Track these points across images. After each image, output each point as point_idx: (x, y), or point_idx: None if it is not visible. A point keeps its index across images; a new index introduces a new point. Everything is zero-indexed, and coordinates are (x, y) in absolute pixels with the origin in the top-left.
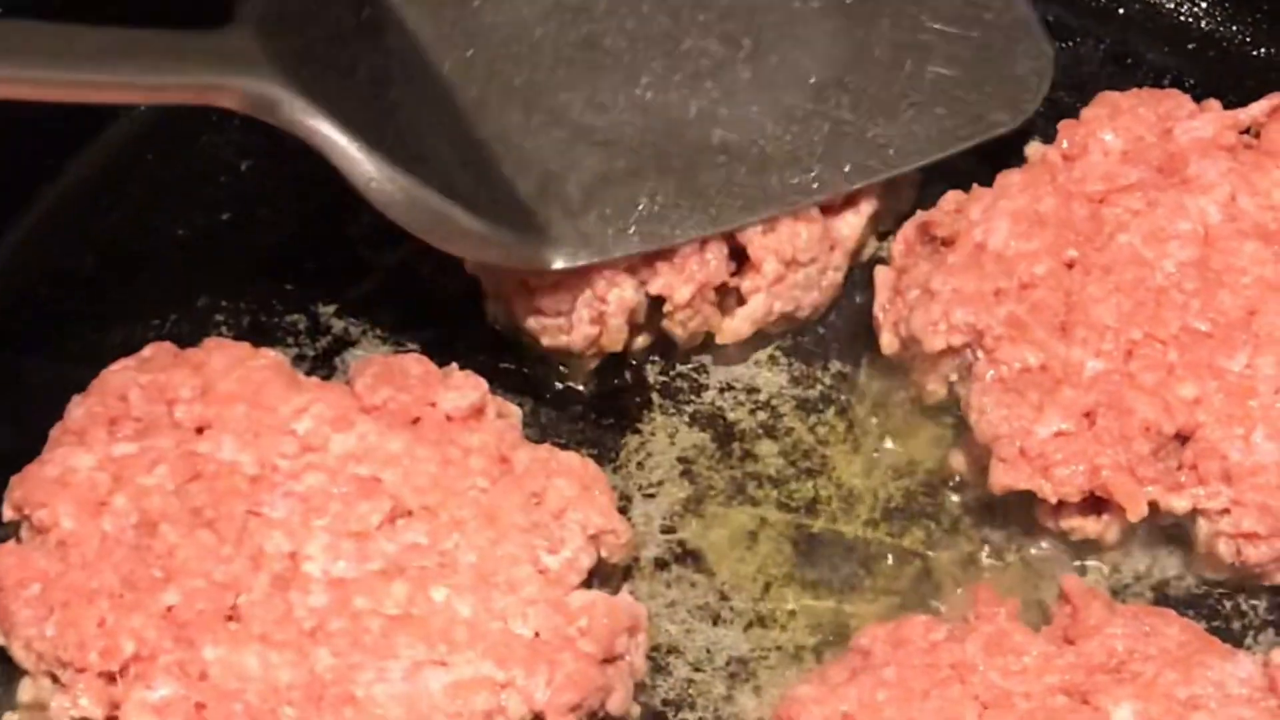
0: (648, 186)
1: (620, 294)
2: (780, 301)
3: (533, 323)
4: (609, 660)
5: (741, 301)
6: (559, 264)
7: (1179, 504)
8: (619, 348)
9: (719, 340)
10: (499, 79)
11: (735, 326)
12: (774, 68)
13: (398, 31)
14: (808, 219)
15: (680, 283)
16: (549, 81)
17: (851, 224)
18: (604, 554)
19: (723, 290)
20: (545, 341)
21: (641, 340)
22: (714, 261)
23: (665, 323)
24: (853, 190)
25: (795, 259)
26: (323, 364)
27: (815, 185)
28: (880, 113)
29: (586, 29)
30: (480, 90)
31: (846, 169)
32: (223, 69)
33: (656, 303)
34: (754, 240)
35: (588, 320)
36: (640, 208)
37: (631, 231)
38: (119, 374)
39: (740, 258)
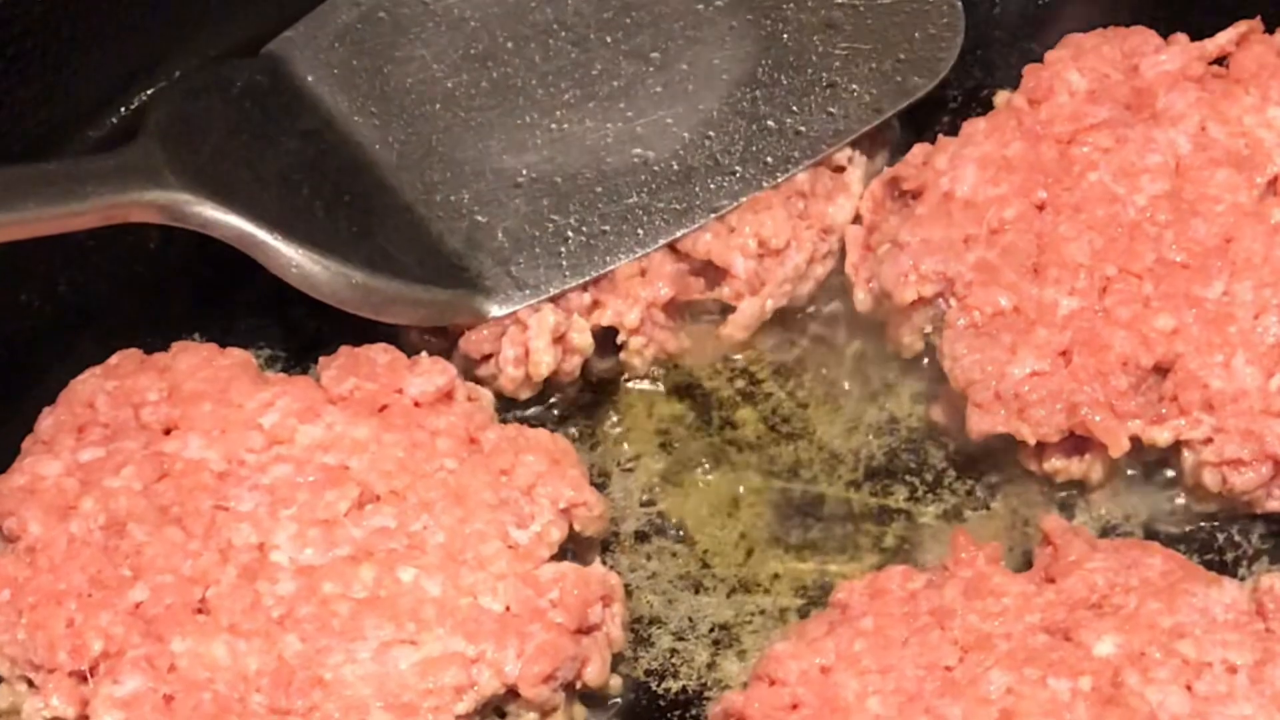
0: (573, 219)
1: (540, 318)
2: (774, 300)
3: (460, 368)
4: (583, 631)
5: (730, 309)
6: (495, 311)
7: (1161, 436)
8: (546, 373)
9: (718, 346)
10: (417, 139)
11: (731, 333)
12: (685, 75)
13: (310, 113)
14: (765, 205)
15: (626, 307)
16: (465, 133)
17: (844, 208)
18: (577, 527)
19: (698, 305)
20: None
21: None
22: (657, 280)
23: (623, 355)
24: (840, 172)
25: (769, 248)
26: (295, 365)
27: (739, 186)
28: (795, 101)
29: (497, 74)
30: (400, 153)
31: (769, 162)
32: (128, 187)
33: (610, 337)
34: (713, 247)
35: (513, 360)
36: (569, 242)
37: (564, 266)
38: (87, 382)
39: (709, 270)
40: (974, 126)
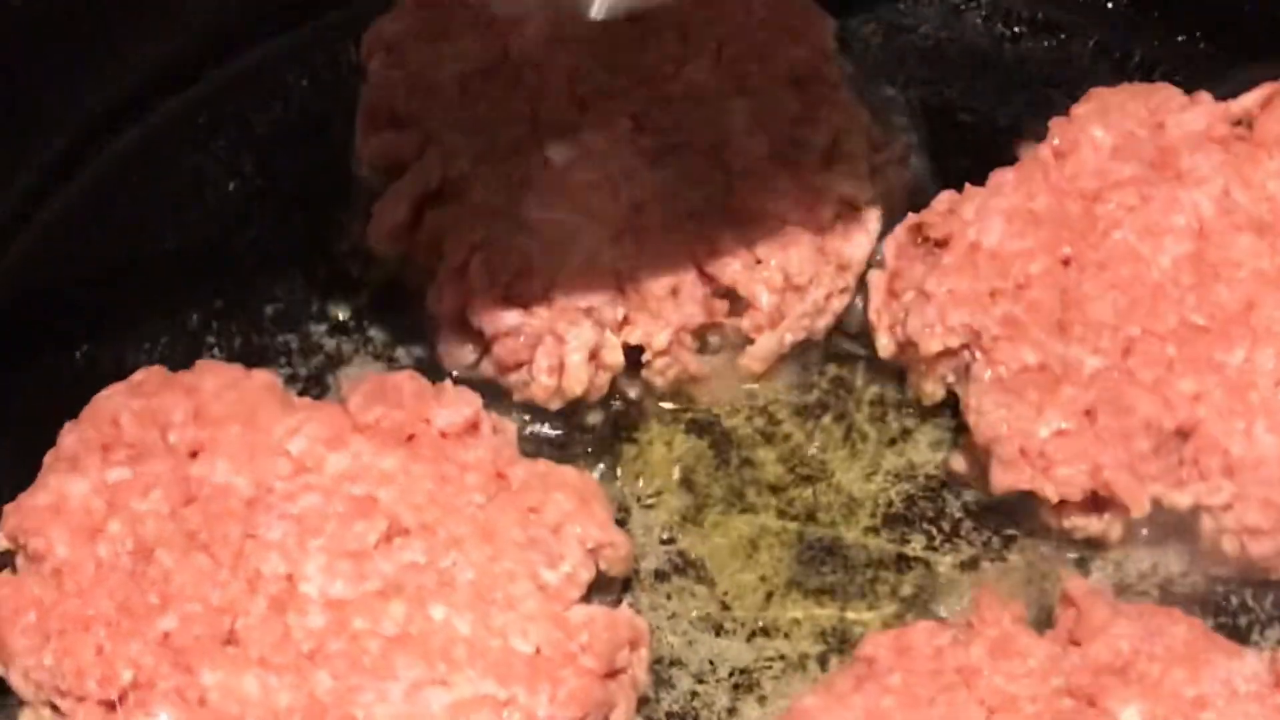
0: None
1: (580, 333)
2: (791, 334)
3: (493, 374)
4: (611, 675)
5: (749, 340)
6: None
7: (1182, 500)
8: (581, 390)
9: (736, 376)
10: None
11: (749, 364)
12: None
13: None
14: (794, 241)
15: (657, 329)
16: None
17: (861, 245)
18: (603, 567)
19: (719, 330)
20: (515, 395)
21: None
22: (689, 304)
23: (645, 372)
24: (853, 206)
25: (792, 284)
26: (315, 383)
27: None
28: None
29: None
30: None
31: None
32: None
33: (633, 354)
34: (739, 277)
35: (546, 369)
36: None
37: None
38: (110, 400)
39: (733, 296)
40: (1002, 177)
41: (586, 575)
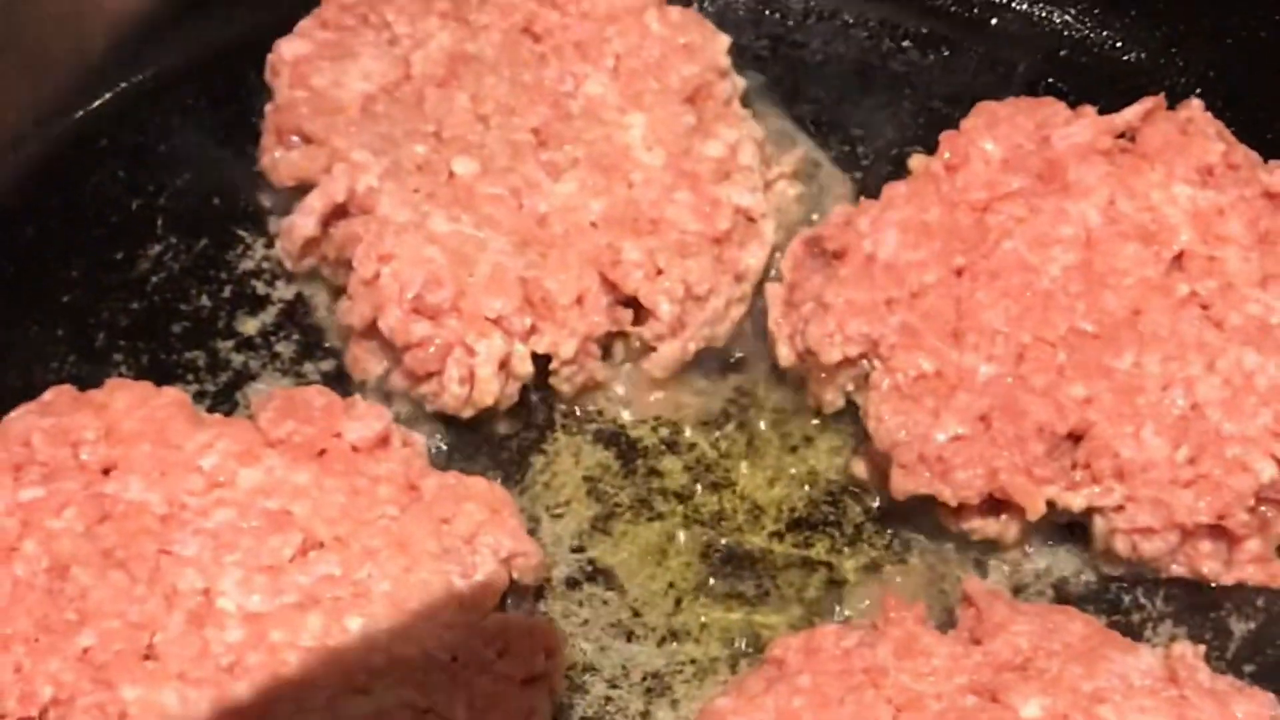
0: None
1: (489, 344)
2: (694, 343)
3: (403, 385)
4: (528, 681)
5: (652, 349)
6: None
7: (1075, 502)
8: (491, 400)
9: (639, 384)
10: None
11: (651, 371)
12: None
13: None
14: (693, 251)
15: (563, 338)
16: None
17: (758, 255)
18: (516, 576)
19: (623, 339)
20: (426, 406)
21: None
22: (594, 313)
23: (552, 380)
24: (749, 217)
25: (692, 294)
26: (224, 399)
27: None
28: None
29: None
30: None
31: None
32: None
33: (541, 363)
34: (641, 287)
35: (457, 380)
36: None
37: None
38: (20, 420)
39: (636, 305)
40: (894, 191)
41: (500, 584)
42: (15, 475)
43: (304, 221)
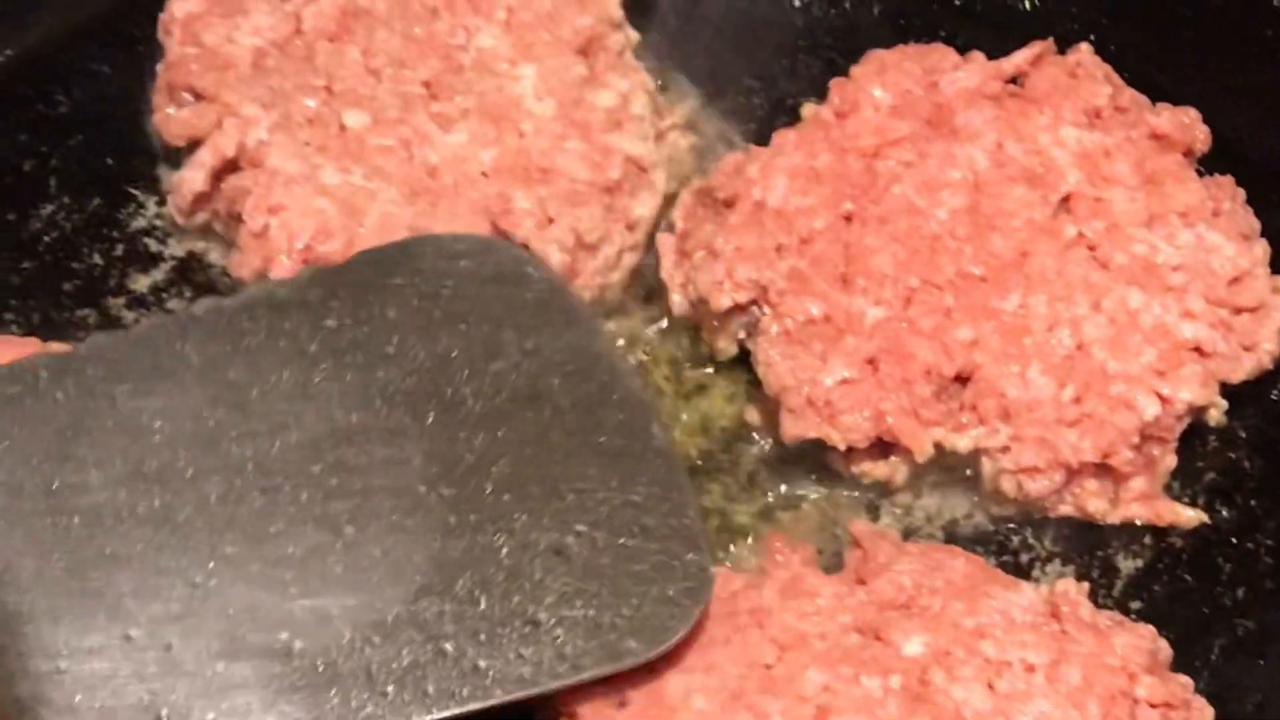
0: (166, 696)
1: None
2: (588, 291)
3: None
4: None
5: None
6: None
7: (962, 443)
8: None
9: None
10: (34, 549)
11: None
12: (374, 563)
13: None
14: (584, 200)
15: None
16: (94, 559)
17: (648, 204)
18: None
19: None
20: None
21: None
22: None
23: None
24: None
25: (583, 242)
26: None
27: (381, 712)
28: (486, 630)
29: (159, 501)
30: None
31: (429, 692)
32: None
33: None
34: (531, 236)
35: None
36: None
37: None
38: None
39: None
40: (784, 138)
41: None
42: None
43: (193, 176)
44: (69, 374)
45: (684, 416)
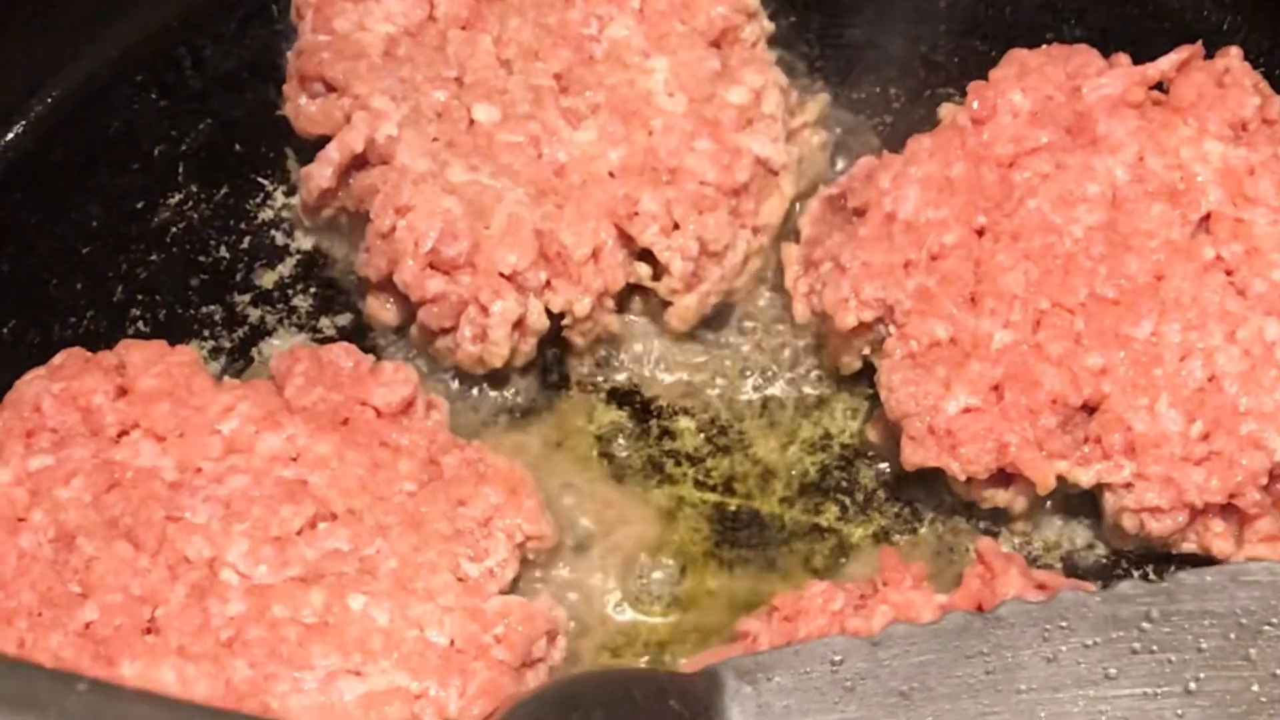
0: None
1: (504, 306)
2: (712, 296)
3: (418, 338)
4: (526, 665)
5: (668, 302)
6: None
7: (1085, 478)
8: (501, 362)
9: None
10: None
11: (670, 324)
12: None
13: None
14: (711, 205)
15: (579, 295)
16: None
17: (776, 208)
18: (530, 557)
19: (641, 291)
20: (441, 361)
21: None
22: (610, 268)
23: (565, 333)
24: (770, 169)
25: (707, 250)
26: (240, 355)
27: None
28: None
29: None
30: None
31: None
32: None
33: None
34: (656, 242)
35: (470, 338)
36: None
37: None
38: (31, 384)
39: (652, 258)
40: (919, 144)
41: (511, 573)
42: (26, 442)
43: (321, 172)
44: (865, 662)
45: (803, 432)
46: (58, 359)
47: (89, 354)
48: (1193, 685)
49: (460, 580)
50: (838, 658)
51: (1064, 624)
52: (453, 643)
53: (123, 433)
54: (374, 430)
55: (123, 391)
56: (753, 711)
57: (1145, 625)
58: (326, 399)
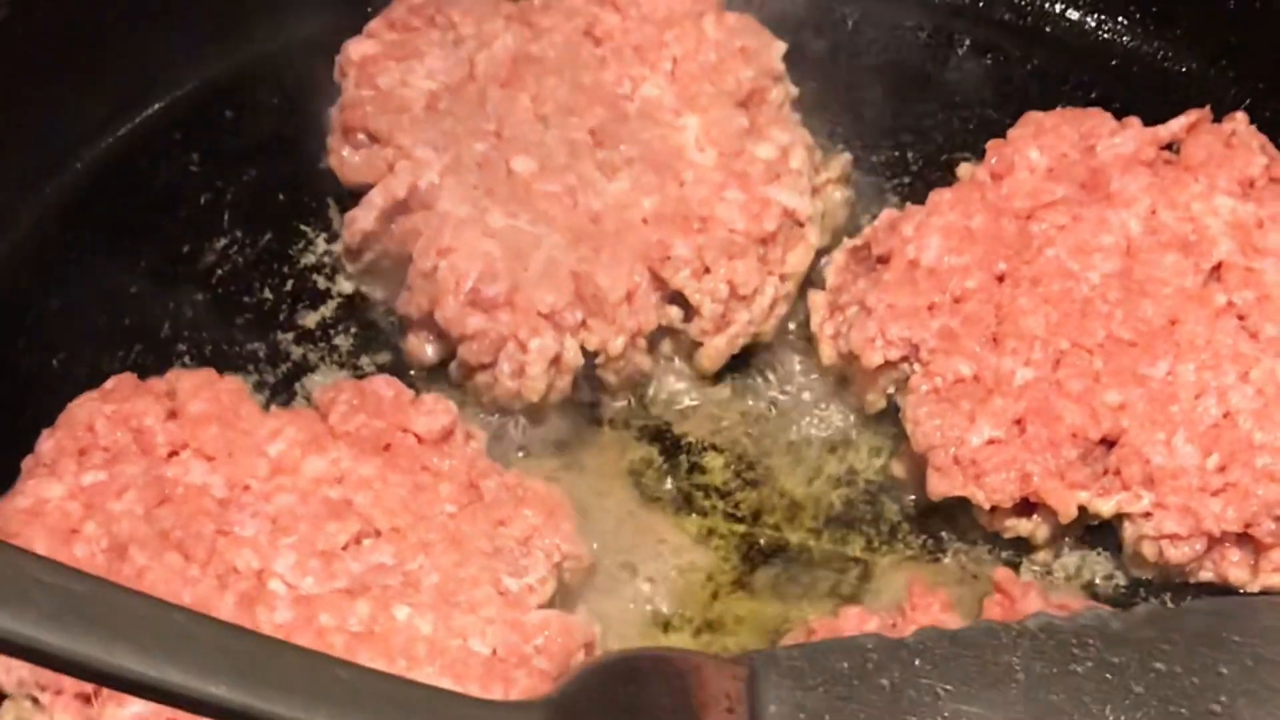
0: None
1: (541, 343)
2: (740, 338)
3: (458, 374)
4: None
5: (698, 344)
6: None
7: (1105, 507)
8: (538, 398)
9: (691, 374)
10: None
11: (700, 365)
12: None
13: None
14: (740, 251)
15: (613, 334)
16: None
17: (802, 256)
18: (566, 579)
19: (672, 333)
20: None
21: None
22: (643, 309)
23: (599, 371)
24: (796, 220)
25: (737, 292)
26: (283, 390)
27: None
28: None
29: None
30: None
31: None
32: None
33: (590, 353)
34: (688, 285)
35: (509, 374)
36: None
37: None
38: (84, 405)
39: (683, 301)
40: (940, 197)
41: (549, 590)
42: (79, 459)
43: (365, 215)
44: (897, 662)
45: (828, 468)
46: (109, 383)
47: (139, 380)
48: (1216, 708)
49: (501, 594)
50: (873, 653)
51: (1089, 640)
52: (495, 652)
53: (173, 452)
54: (415, 455)
55: (172, 414)
56: (791, 701)
57: (1166, 647)
58: (369, 425)
